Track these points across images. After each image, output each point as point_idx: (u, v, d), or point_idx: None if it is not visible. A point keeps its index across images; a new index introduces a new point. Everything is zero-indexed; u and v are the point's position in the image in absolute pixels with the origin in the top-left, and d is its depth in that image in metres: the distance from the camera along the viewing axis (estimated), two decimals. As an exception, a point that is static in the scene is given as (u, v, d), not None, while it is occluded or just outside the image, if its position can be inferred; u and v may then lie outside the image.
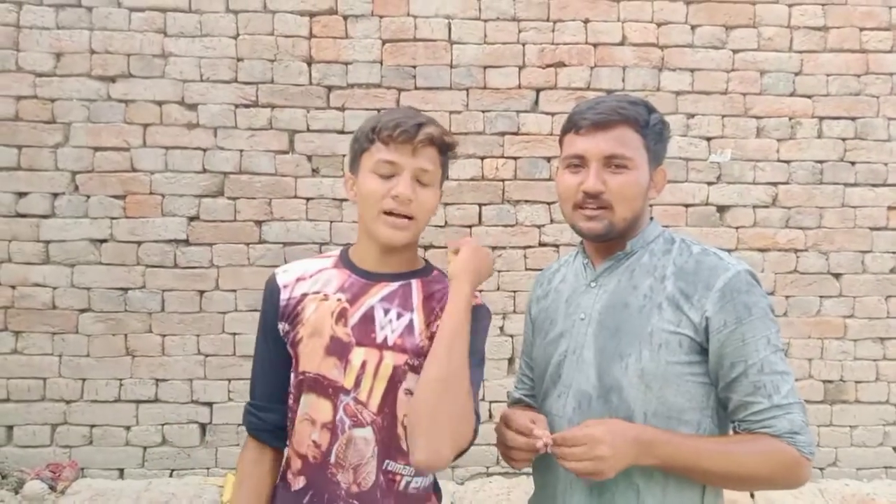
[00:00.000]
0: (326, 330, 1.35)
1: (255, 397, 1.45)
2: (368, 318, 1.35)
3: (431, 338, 1.33)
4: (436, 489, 1.45)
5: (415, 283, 1.40)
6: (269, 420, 1.42)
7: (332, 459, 1.33)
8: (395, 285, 1.38)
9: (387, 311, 1.36)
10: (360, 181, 1.36)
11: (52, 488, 3.23)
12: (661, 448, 1.21)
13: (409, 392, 1.33)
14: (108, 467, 3.40)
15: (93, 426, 3.39)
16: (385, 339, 1.35)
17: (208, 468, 3.43)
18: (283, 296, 1.41)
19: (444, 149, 1.38)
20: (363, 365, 1.34)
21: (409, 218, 1.33)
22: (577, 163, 1.33)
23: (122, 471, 3.41)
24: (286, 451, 1.42)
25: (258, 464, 1.43)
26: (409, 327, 1.36)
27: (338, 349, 1.34)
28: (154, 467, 3.41)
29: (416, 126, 1.32)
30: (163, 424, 3.41)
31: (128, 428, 3.41)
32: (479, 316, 1.37)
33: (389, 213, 1.32)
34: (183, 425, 3.42)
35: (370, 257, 1.40)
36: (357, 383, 1.33)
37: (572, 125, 1.35)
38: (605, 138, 1.31)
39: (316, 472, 1.35)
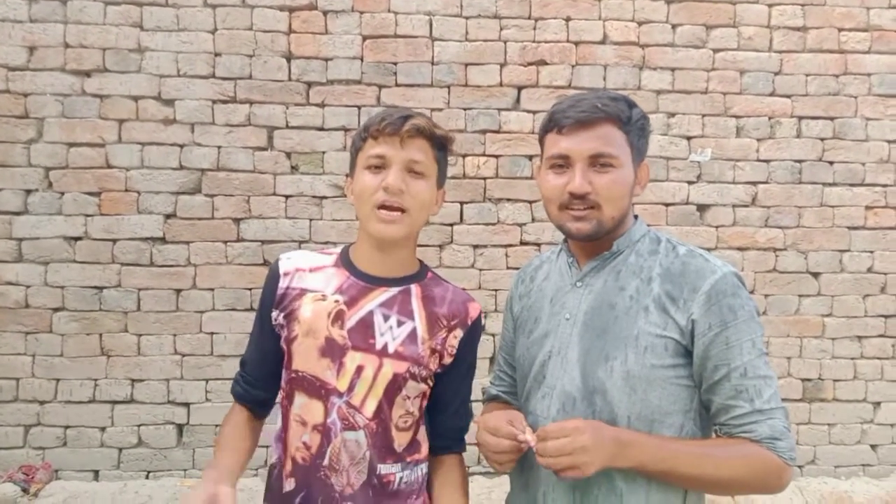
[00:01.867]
0: (322, 331, 1.34)
1: (245, 371, 1.46)
2: (367, 324, 1.35)
3: (433, 348, 1.37)
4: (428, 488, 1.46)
5: (413, 289, 1.40)
6: (256, 395, 1.44)
7: (326, 462, 1.33)
8: (394, 291, 1.38)
9: (386, 318, 1.36)
10: (355, 181, 1.37)
11: (25, 491, 3.17)
12: (639, 450, 1.20)
13: (407, 397, 1.36)
14: (82, 469, 3.34)
15: (67, 427, 3.33)
16: (385, 346, 1.35)
17: (185, 469, 3.38)
18: (282, 283, 1.40)
19: (437, 142, 1.38)
20: (358, 370, 1.33)
21: (402, 211, 1.32)
22: (562, 163, 1.31)
23: (96, 473, 3.35)
24: (279, 451, 1.41)
25: (239, 426, 1.42)
26: (412, 335, 1.36)
27: (332, 351, 1.33)
28: (130, 469, 3.35)
29: (403, 118, 1.33)
30: (139, 425, 3.36)
31: (103, 429, 3.35)
32: (479, 331, 1.46)
33: (382, 207, 1.31)
34: (159, 426, 3.37)
35: (369, 258, 1.39)
36: (351, 387, 1.33)
37: (554, 124, 1.33)
38: (588, 137, 1.29)
39: (306, 473, 1.34)
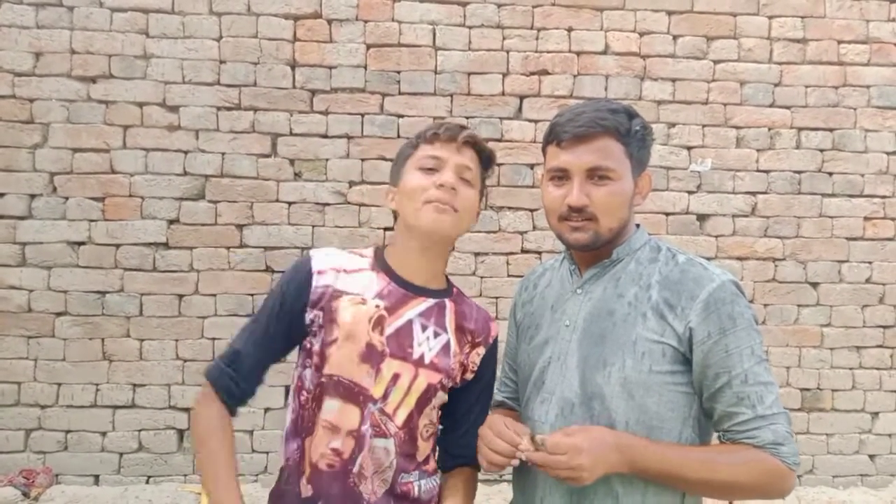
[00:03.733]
0: (363, 336, 1.33)
1: (237, 365, 1.36)
2: (406, 332, 1.35)
3: (462, 362, 1.40)
4: None
5: (448, 303, 1.42)
6: (245, 392, 1.37)
7: (356, 469, 1.31)
8: (432, 302, 1.39)
9: (424, 328, 1.37)
10: (404, 181, 1.37)
11: (26, 495, 3.17)
12: (642, 455, 1.21)
13: (435, 407, 1.39)
14: (83, 474, 3.34)
15: (68, 431, 3.34)
16: (422, 357, 1.35)
17: (185, 475, 3.38)
18: (317, 282, 1.36)
19: (485, 158, 1.42)
20: (395, 378, 1.33)
21: (453, 209, 1.33)
22: (561, 175, 1.33)
23: (97, 477, 3.35)
24: (294, 455, 1.36)
25: (223, 420, 1.35)
26: (446, 348, 1.38)
27: (371, 357, 1.33)
28: (130, 474, 3.36)
29: (460, 127, 1.39)
30: (139, 430, 3.37)
31: (104, 434, 3.35)
32: (497, 351, 1.48)
33: (430, 201, 1.33)
34: (160, 431, 3.37)
35: (409, 264, 1.39)
36: (386, 395, 1.33)
37: (554, 137, 1.34)
38: (586, 150, 1.30)
39: (331, 480, 1.31)
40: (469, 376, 1.43)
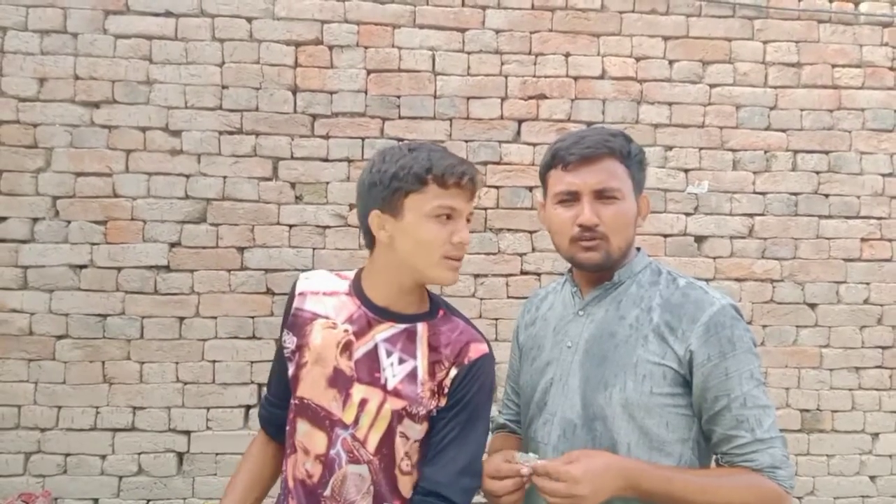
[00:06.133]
0: (330, 360, 1.34)
1: (270, 392, 1.48)
2: (373, 356, 1.34)
3: (434, 388, 1.33)
4: None
5: (420, 328, 1.37)
6: (277, 416, 1.43)
7: (328, 492, 1.32)
8: (399, 327, 1.36)
9: (389, 353, 1.34)
10: (414, 225, 1.30)
11: (24, 519, 3.16)
12: (643, 479, 1.22)
13: (405, 436, 1.33)
14: (82, 497, 3.33)
15: (67, 455, 3.33)
16: (386, 382, 1.33)
17: (185, 498, 3.36)
18: (297, 305, 1.40)
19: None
20: (362, 403, 1.33)
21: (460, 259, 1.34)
22: (569, 198, 1.35)
23: (96, 501, 3.34)
24: (284, 474, 1.41)
25: (262, 447, 1.46)
26: (412, 375, 1.34)
27: (339, 382, 1.33)
28: (129, 497, 3.34)
29: (472, 172, 1.32)
30: (139, 453, 3.36)
31: (103, 457, 3.34)
32: (480, 373, 1.38)
33: (450, 258, 1.31)
34: (159, 454, 3.36)
35: (387, 293, 1.36)
36: (356, 420, 1.32)
37: (559, 161, 1.37)
38: (593, 171, 1.33)
39: (308, 498, 1.34)
40: (443, 401, 1.35)
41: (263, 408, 1.49)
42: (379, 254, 1.37)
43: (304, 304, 1.40)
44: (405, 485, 1.34)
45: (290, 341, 1.39)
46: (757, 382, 1.29)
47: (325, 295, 1.40)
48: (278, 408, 1.44)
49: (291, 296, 1.42)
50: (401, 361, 1.34)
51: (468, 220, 1.35)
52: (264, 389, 1.57)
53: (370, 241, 1.38)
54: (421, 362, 1.35)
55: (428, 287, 1.44)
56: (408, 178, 1.29)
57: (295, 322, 1.39)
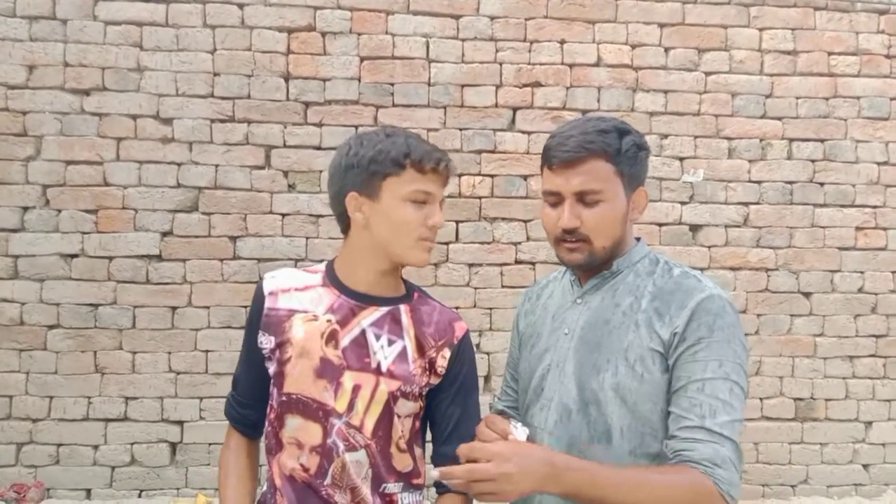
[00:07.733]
0: (316, 352, 1.34)
1: (237, 391, 1.47)
2: (361, 342, 1.35)
3: (425, 365, 1.38)
4: None
5: (403, 308, 1.41)
6: (248, 416, 1.45)
7: (328, 481, 1.33)
8: (384, 310, 1.39)
9: (378, 337, 1.37)
10: (389, 207, 1.34)
11: (16, 509, 3.15)
12: (571, 476, 1.17)
13: (399, 415, 1.36)
14: (74, 488, 3.32)
15: (59, 445, 3.32)
16: (379, 365, 1.35)
17: (178, 488, 3.36)
18: (267, 304, 1.40)
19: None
20: (356, 389, 1.33)
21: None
22: (554, 200, 1.36)
23: (89, 491, 3.33)
24: (268, 472, 1.40)
25: (240, 453, 1.45)
26: (403, 354, 1.37)
27: (328, 372, 1.33)
28: (122, 488, 3.34)
29: (447, 159, 1.38)
30: (132, 444, 3.35)
31: (96, 447, 3.33)
32: (469, 349, 1.46)
33: (424, 240, 1.35)
34: (152, 444, 3.36)
35: (366, 278, 1.39)
36: (350, 407, 1.33)
37: (545, 160, 1.38)
38: (574, 174, 1.32)
39: (305, 492, 1.34)
40: (435, 381, 1.40)
41: (233, 408, 1.46)
42: (354, 237, 1.40)
43: (276, 302, 1.40)
44: (400, 461, 1.38)
45: (268, 341, 1.38)
46: (723, 375, 1.22)
47: (298, 290, 1.41)
48: (250, 408, 1.45)
49: (260, 297, 1.41)
50: (390, 343, 1.37)
51: (440, 206, 1.39)
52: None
53: (345, 225, 1.41)
54: (409, 342, 1.39)
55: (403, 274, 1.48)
56: (386, 162, 1.33)
57: (269, 322, 1.39)
